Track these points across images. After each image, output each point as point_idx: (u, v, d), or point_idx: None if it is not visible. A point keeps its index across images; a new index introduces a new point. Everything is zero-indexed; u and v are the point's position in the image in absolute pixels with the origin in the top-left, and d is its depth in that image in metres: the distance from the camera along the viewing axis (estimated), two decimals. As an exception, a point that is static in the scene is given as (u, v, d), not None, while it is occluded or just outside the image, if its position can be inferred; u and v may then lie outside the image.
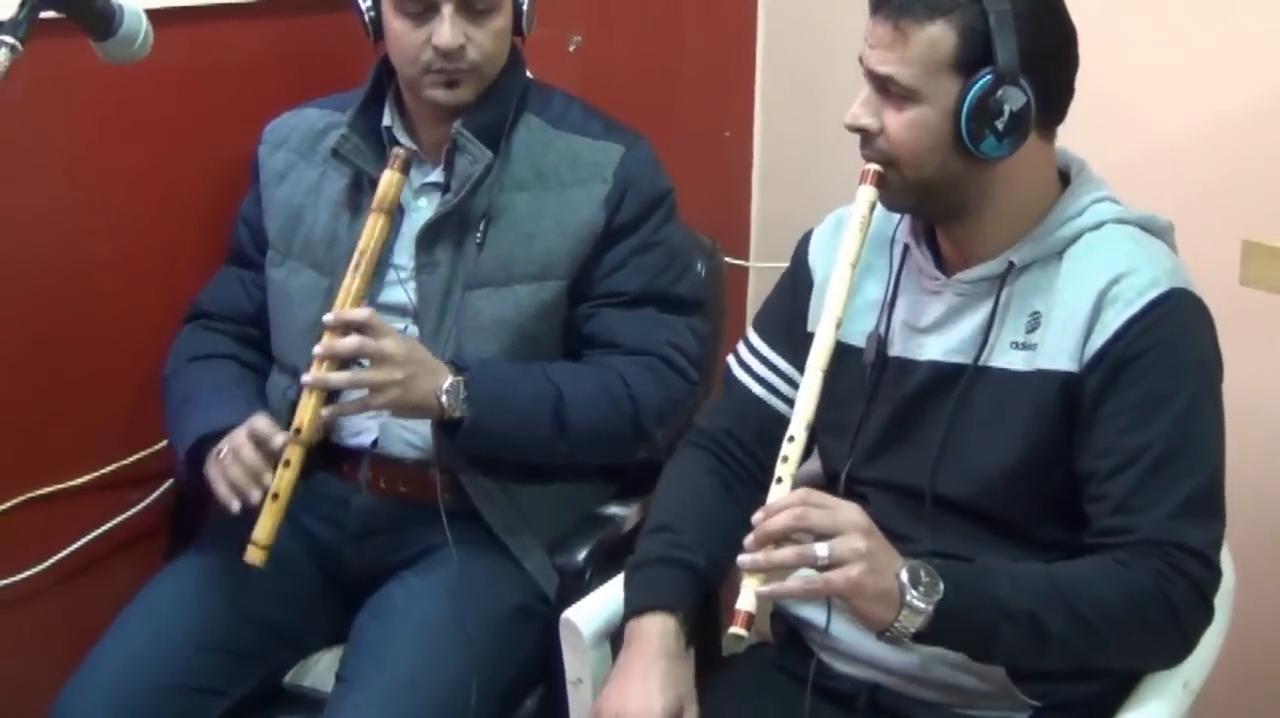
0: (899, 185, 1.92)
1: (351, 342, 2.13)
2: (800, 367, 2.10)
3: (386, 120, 2.40)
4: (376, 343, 2.13)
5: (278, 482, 2.12)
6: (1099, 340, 1.87)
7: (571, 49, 2.90)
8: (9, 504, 2.50)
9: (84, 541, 2.59)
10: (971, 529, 1.97)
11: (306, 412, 2.14)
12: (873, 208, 1.93)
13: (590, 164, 2.37)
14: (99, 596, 2.52)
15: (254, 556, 2.11)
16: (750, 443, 2.16)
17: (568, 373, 2.33)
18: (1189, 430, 1.85)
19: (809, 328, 2.11)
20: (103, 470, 2.60)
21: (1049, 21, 1.90)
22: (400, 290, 2.34)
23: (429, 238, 2.34)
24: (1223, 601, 1.94)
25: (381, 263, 2.31)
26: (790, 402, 2.12)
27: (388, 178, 2.22)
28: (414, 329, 2.35)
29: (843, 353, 2.00)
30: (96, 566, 2.62)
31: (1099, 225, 1.94)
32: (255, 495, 2.13)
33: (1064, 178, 2.01)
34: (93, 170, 2.51)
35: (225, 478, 2.16)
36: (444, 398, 2.18)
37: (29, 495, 2.52)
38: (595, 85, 2.86)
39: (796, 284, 2.17)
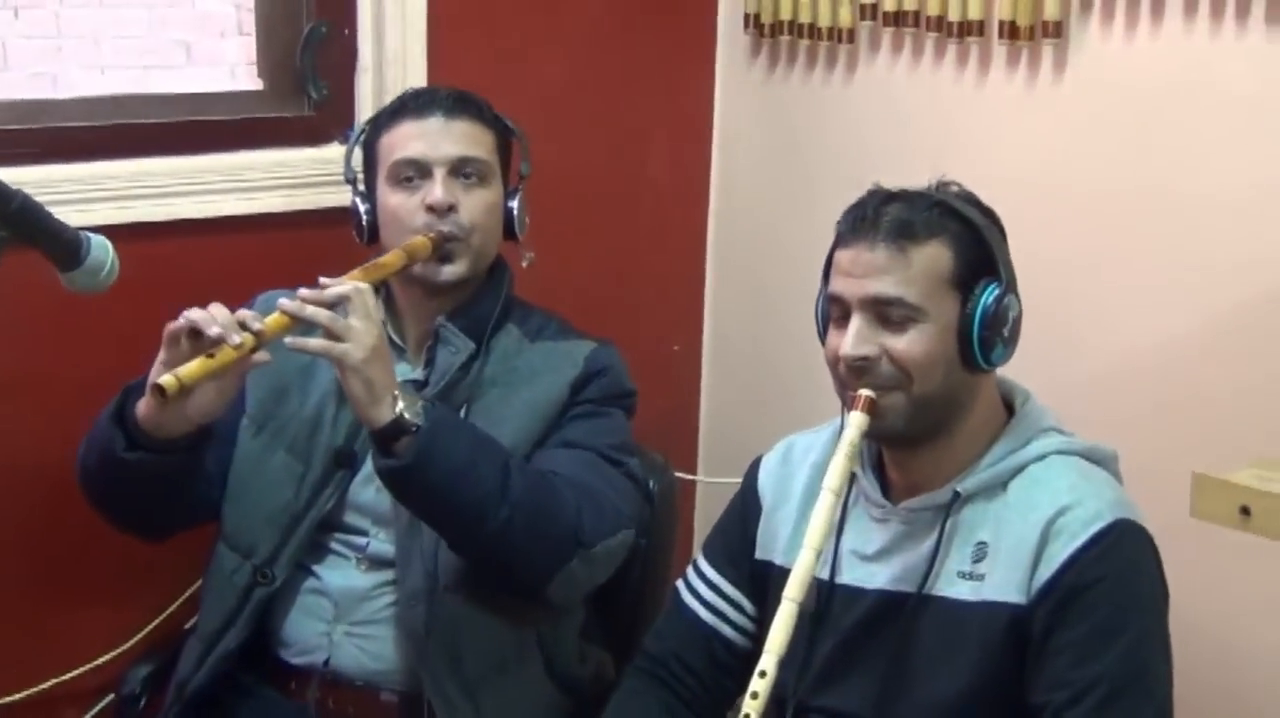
0: (899, 408, 1.93)
1: (322, 315, 2.08)
2: (748, 593, 2.11)
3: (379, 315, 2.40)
4: (343, 320, 2.08)
5: (223, 349, 2.01)
6: (1046, 573, 1.88)
7: (524, 264, 2.92)
8: None
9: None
10: (922, 761, 1.96)
11: (272, 319, 2.08)
12: (863, 435, 1.94)
13: (563, 354, 2.40)
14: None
15: (167, 379, 1.97)
16: (700, 669, 2.15)
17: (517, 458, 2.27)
18: (1139, 661, 1.85)
19: (758, 554, 2.13)
20: (40, 687, 2.56)
21: (1006, 249, 1.99)
22: (373, 489, 2.31)
23: None
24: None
25: (355, 464, 2.33)
26: (739, 628, 2.13)
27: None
28: (385, 535, 2.34)
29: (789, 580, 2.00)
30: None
31: (1043, 457, 1.96)
32: (213, 329, 2.02)
33: (1009, 408, 2.04)
34: (59, 384, 2.52)
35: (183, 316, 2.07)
36: (401, 400, 2.09)
37: None
38: (546, 300, 2.88)
39: (746, 511, 2.19)
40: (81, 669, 2.60)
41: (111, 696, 2.56)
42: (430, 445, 2.10)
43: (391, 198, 2.35)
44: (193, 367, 2.00)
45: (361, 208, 2.41)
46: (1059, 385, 2.21)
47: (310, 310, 2.08)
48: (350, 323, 2.08)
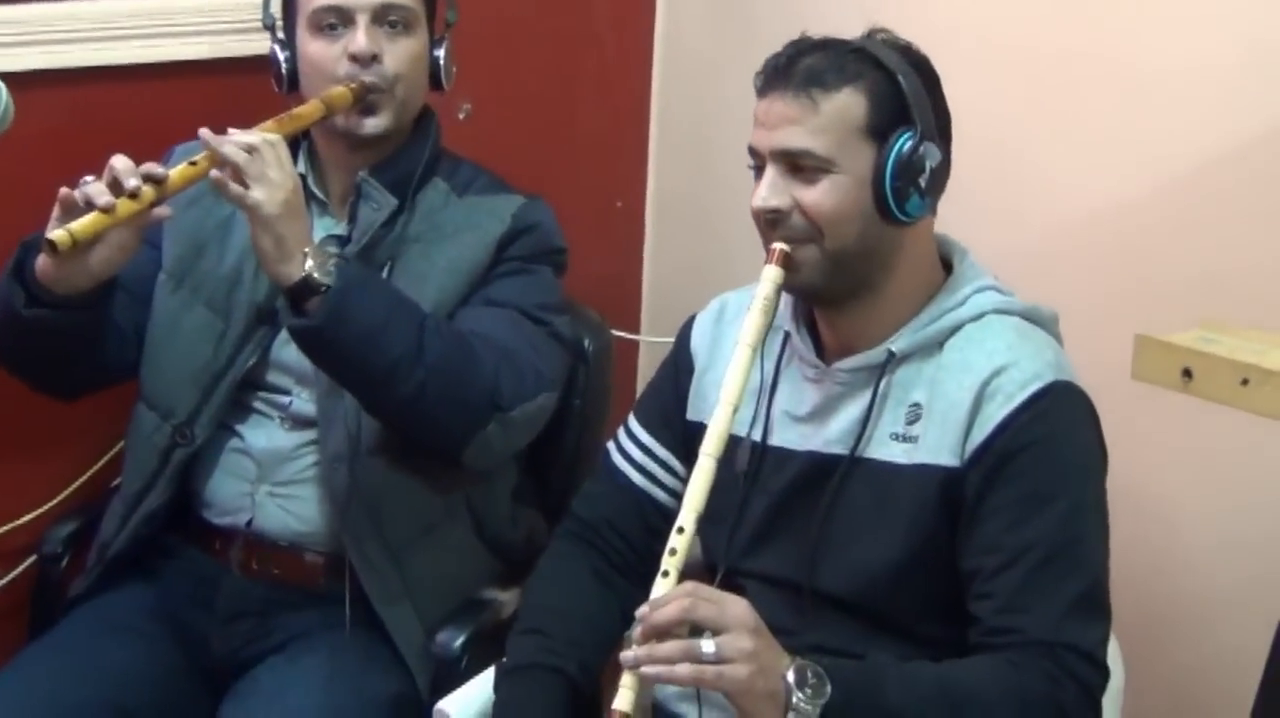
0: (814, 262, 1.87)
1: (240, 156, 1.99)
2: (680, 455, 2.05)
3: (299, 168, 2.30)
4: (260, 165, 2.00)
5: (120, 202, 1.94)
6: (979, 435, 1.83)
7: (461, 117, 2.84)
8: None
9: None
10: (852, 625, 1.92)
11: (178, 171, 2.01)
12: (778, 290, 1.88)
13: (489, 210, 2.32)
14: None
15: (60, 234, 1.90)
16: (631, 534, 2.11)
17: (441, 319, 2.20)
18: (1073, 528, 1.81)
19: (689, 415, 2.07)
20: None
21: (938, 96, 1.92)
22: (295, 348, 2.18)
23: None
24: (1111, 700, 1.91)
25: (277, 321, 2.25)
26: (671, 491, 2.08)
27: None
28: (308, 395, 2.27)
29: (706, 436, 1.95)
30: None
31: (980, 316, 1.91)
32: (102, 199, 1.93)
33: (947, 267, 1.98)
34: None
35: (89, 185, 1.97)
36: (310, 258, 2.01)
37: None
38: (484, 154, 2.78)
39: (678, 370, 2.13)
40: (4, 528, 2.52)
41: (34, 556, 2.50)
42: (340, 305, 2.03)
43: (311, 45, 2.25)
44: (87, 221, 1.92)
45: (280, 55, 2.30)
46: (1001, 247, 2.15)
47: (229, 148, 2.00)
48: (265, 172, 2.00)
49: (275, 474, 2.28)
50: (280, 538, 2.28)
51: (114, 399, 2.38)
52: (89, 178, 1.97)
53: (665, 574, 1.75)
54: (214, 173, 2.00)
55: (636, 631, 1.71)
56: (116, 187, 1.95)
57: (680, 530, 1.77)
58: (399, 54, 2.24)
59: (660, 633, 1.68)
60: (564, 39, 3.07)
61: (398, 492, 2.25)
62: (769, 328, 1.91)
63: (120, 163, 1.96)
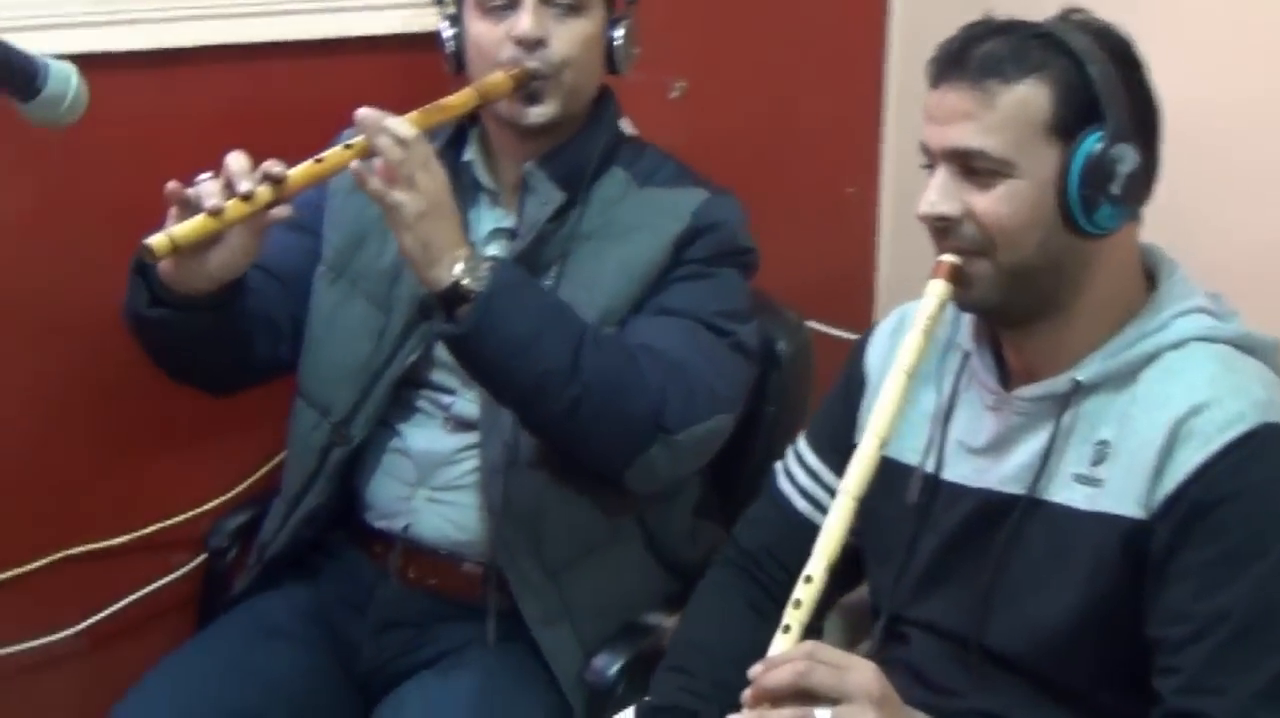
0: (987, 277, 1.65)
1: (390, 144, 1.85)
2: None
3: (468, 155, 2.19)
4: (410, 164, 1.86)
5: (230, 205, 1.82)
6: (1170, 484, 1.57)
7: (674, 95, 2.67)
8: (43, 562, 2.39)
9: (119, 605, 2.47)
10: (1023, 688, 1.69)
11: (302, 168, 1.88)
12: (942, 307, 1.67)
13: (667, 206, 2.13)
14: (131, 661, 2.34)
15: (158, 240, 1.78)
16: (793, 565, 1.85)
17: (603, 330, 2.04)
18: (1275, 596, 1.54)
19: (859, 439, 1.86)
20: (141, 532, 2.46)
21: (1143, 85, 1.67)
22: None
23: None
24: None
25: None
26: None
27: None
28: (471, 395, 2.13)
29: (891, 472, 1.76)
30: (132, 631, 2.49)
31: (1182, 343, 1.64)
32: (210, 201, 1.82)
33: (1153, 283, 1.72)
34: (138, 219, 2.37)
35: (201, 185, 1.86)
36: (460, 262, 1.88)
37: (64, 554, 2.41)
38: (699, 135, 2.63)
39: (849, 388, 1.92)
40: (184, 516, 2.48)
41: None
42: (488, 314, 1.89)
43: (476, 25, 2.10)
44: (191, 225, 1.81)
45: (447, 34, 2.16)
46: (1217, 261, 1.87)
47: (384, 139, 1.86)
48: (413, 172, 1.86)
49: (434, 478, 2.16)
50: (438, 546, 2.16)
51: (292, 391, 2.28)
52: (205, 175, 1.86)
53: (786, 629, 1.56)
54: (354, 164, 1.87)
55: (747, 692, 1.51)
56: (230, 188, 1.83)
57: (808, 580, 1.57)
58: (567, 37, 2.07)
59: (773, 697, 1.49)
60: (788, 8, 2.85)
61: (558, 510, 2.11)
62: (926, 350, 1.69)
63: (235, 162, 1.84)
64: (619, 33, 2.15)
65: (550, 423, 1.99)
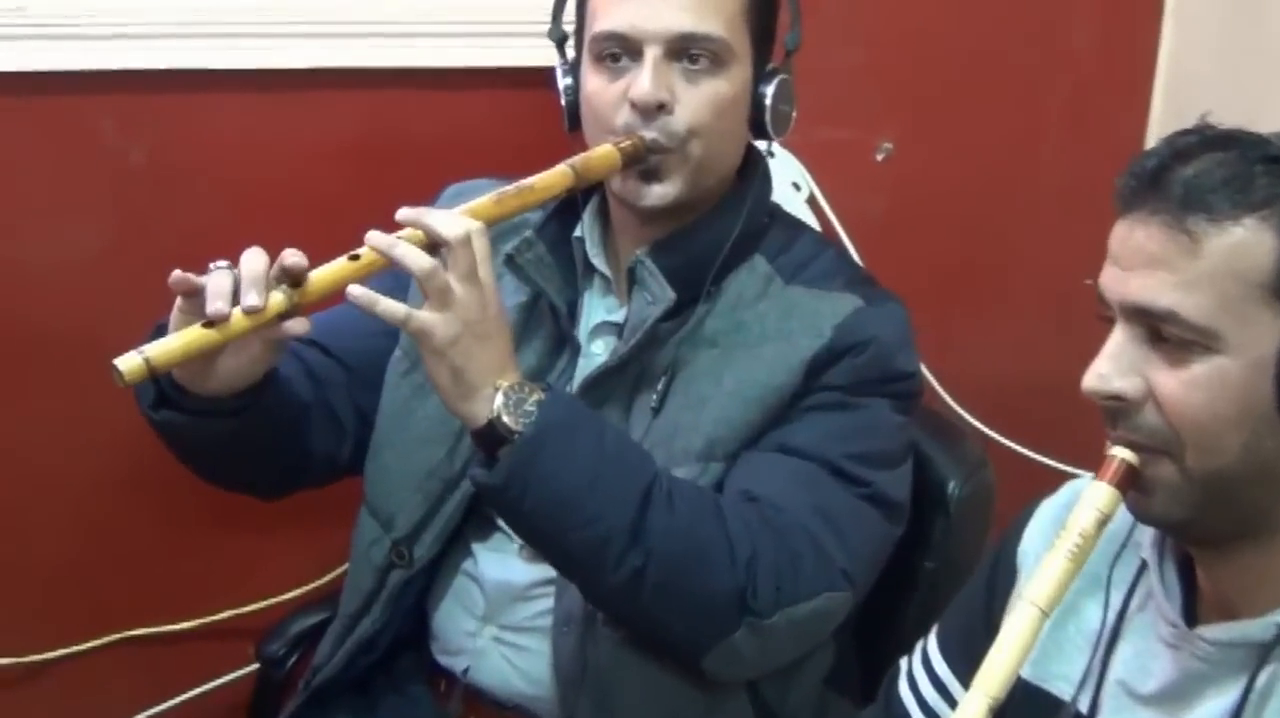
0: (1172, 485, 1.21)
1: (415, 257, 1.48)
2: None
3: (580, 229, 1.81)
4: (443, 277, 1.48)
5: (234, 316, 1.44)
6: None
7: (879, 158, 2.24)
8: (101, 642, 2.16)
9: (178, 699, 2.21)
10: None
11: (327, 272, 1.49)
12: (1104, 524, 1.24)
13: (807, 314, 1.71)
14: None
15: (130, 362, 1.37)
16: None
17: (679, 478, 1.63)
18: None
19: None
20: (208, 619, 2.19)
21: None
22: None
23: (591, 395, 1.72)
24: None
25: None
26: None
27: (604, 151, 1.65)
28: None
29: (1034, 702, 1.36)
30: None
31: None
32: (212, 306, 1.43)
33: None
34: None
35: (208, 279, 1.47)
36: (500, 394, 1.52)
37: (123, 636, 2.18)
38: (905, 205, 2.24)
39: (993, 583, 1.49)
40: (254, 606, 2.21)
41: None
42: (529, 461, 1.52)
43: (591, 80, 1.71)
44: (179, 341, 1.43)
45: (563, 83, 1.78)
46: None
47: (404, 253, 1.48)
48: (447, 287, 1.49)
49: (504, 614, 1.79)
50: (503, 696, 1.79)
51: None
52: (221, 263, 1.50)
53: None
54: (352, 289, 1.48)
55: None
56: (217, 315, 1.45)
57: None
58: (698, 101, 1.66)
59: None
60: (1024, 61, 2.36)
61: (640, 673, 1.69)
62: (1075, 577, 1.25)
63: (250, 264, 1.47)
64: (769, 89, 1.73)
65: (607, 596, 1.61)
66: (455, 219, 1.52)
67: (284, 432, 1.73)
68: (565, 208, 1.79)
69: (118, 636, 2.15)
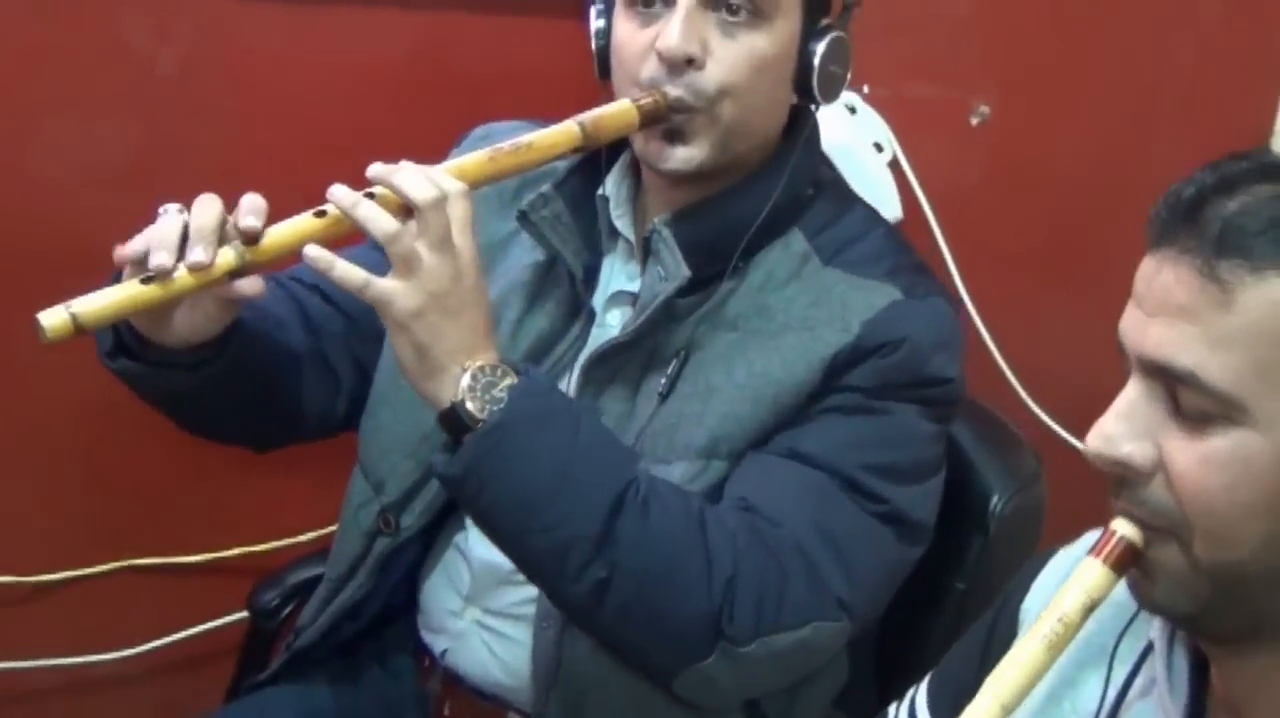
0: (1176, 573, 1.03)
1: (378, 219, 1.33)
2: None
3: (606, 187, 1.65)
4: (408, 242, 1.34)
5: (178, 275, 1.31)
6: None
7: (975, 122, 2.04)
8: (107, 568, 2.08)
9: (183, 633, 2.13)
10: None
11: (287, 228, 1.36)
12: (1092, 607, 1.07)
13: (836, 303, 1.53)
14: (185, 693, 2.03)
15: (54, 319, 1.25)
16: None
17: (662, 481, 1.47)
18: None
19: None
20: (218, 554, 2.08)
21: None
22: None
23: (597, 370, 1.57)
24: None
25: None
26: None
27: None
28: None
29: None
30: (194, 662, 2.13)
31: None
32: (154, 260, 1.30)
33: None
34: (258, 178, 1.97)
35: (152, 229, 1.35)
36: (467, 374, 1.37)
37: (129, 563, 2.08)
38: (998, 177, 2.04)
39: (991, 639, 1.31)
40: (268, 546, 2.12)
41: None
42: (492, 453, 1.37)
43: (621, 25, 1.54)
44: (111, 298, 1.30)
45: (594, 25, 1.60)
46: None
47: (366, 213, 1.34)
48: (413, 252, 1.34)
49: (489, 597, 1.65)
50: (480, 683, 1.66)
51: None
52: (169, 206, 1.37)
53: None
54: (308, 249, 1.34)
55: None
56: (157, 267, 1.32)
57: None
58: (732, 57, 1.48)
59: None
60: (1143, 29, 2.12)
61: (614, 688, 1.54)
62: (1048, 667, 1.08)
63: (201, 214, 1.34)
64: (819, 46, 1.54)
65: (568, 606, 1.47)
66: (429, 180, 1.37)
67: (262, 384, 1.60)
68: (591, 161, 1.63)
69: (124, 563, 2.07)
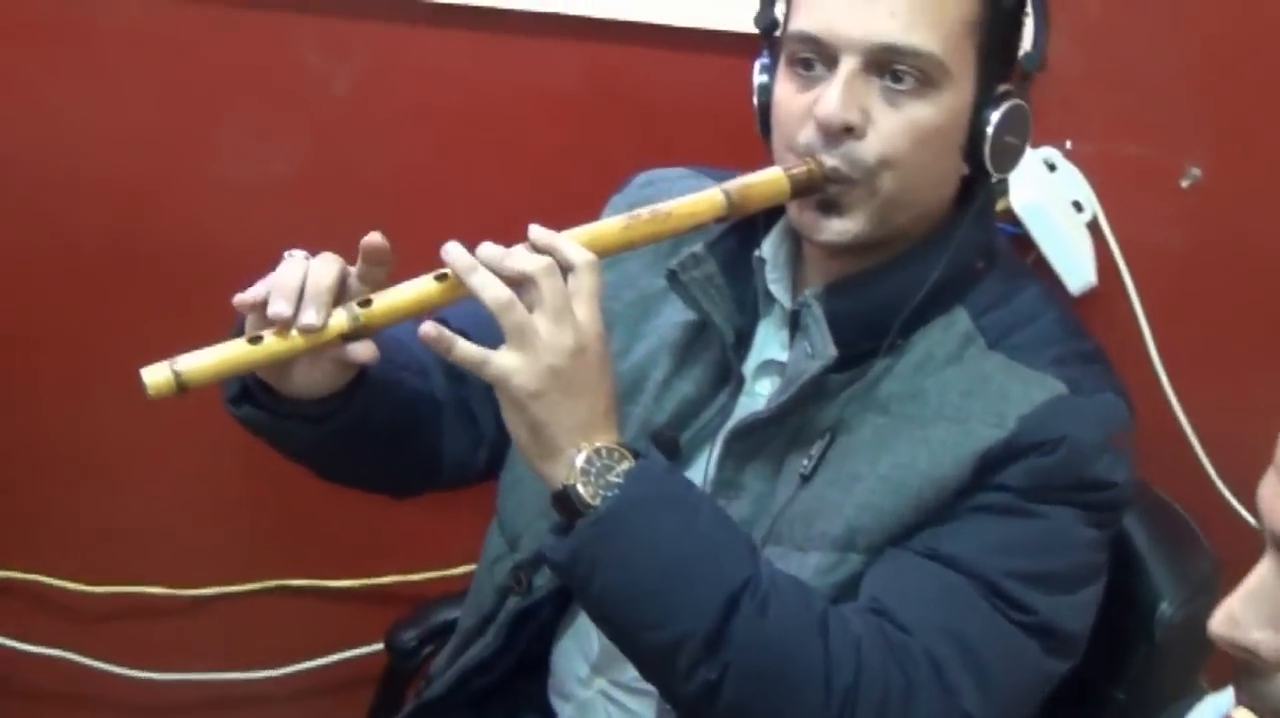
0: None
1: (491, 288, 1.28)
2: None
3: (764, 249, 1.55)
4: (520, 314, 1.28)
5: (286, 339, 1.28)
6: None
7: (1185, 184, 1.90)
8: (257, 587, 2.07)
9: (328, 659, 2.09)
10: None
11: (406, 291, 1.31)
12: None
13: (995, 394, 1.41)
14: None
15: (156, 376, 1.23)
16: None
17: (785, 577, 1.37)
18: None
19: None
20: (372, 581, 2.04)
21: None
22: None
23: (739, 444, 1.48)
24: None
25: (679, 458, 1.51)
26: None
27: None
28: None
29: None
30: (342, 689, 2.09)
31: None
32: (280, 306, 1.27)
33: None
34: (422, 197, 1.93)
35: (274, 275, 1.32)
36: (582, 455, 1.31)
37: (280, 583, 2.08)
38: (1208, 244, 1.91)
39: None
40: (421, 576, 2.08)
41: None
42: (598, 543, 1.30)
43: (781, 86, 1.44)
44: (210, 359, 1.27)
45: (758, 80, 1.51)
46: None
47: (481, 281, 1.28)
48: (528, 326, 1.28)
49: (615, 669, 1.58)
50: None
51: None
52: (295, 253, 1.33)
53: None
54: (425, 329, 1.29)
55: None
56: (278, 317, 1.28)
57: None
58: (894, 127, 1.38)
59: None
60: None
61: None
62: None
63: (319, 273, 1.30)
64: (994, 114, 1.42)
65: (680, 702, 1.38)
66: (562, 242, 1.30)
67: (395, 435, 1.55)
68: (749, 219, 1.54)
69: (276, 583, 2.06)
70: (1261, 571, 0.92)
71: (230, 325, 1.37)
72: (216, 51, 1.88)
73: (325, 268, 1.30)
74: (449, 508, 1.95)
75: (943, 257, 1.45)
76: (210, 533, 2.05)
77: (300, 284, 1.30)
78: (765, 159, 1.48)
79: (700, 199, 1.39)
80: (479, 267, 1.29)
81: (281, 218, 1.93)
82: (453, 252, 1.29)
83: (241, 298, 1.32)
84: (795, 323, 1.48)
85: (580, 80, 1.89)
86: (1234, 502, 1.93)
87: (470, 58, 1.88)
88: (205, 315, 1.33)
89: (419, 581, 2.06)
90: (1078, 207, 1.91)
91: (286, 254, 1.33)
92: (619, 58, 1.88)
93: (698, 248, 1.51)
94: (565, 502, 1.31)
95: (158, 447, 2.00)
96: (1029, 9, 1.45)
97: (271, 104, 1.90)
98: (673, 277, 1.50)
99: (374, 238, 1.32)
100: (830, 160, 1.39)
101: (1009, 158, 1.46)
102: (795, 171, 1.39)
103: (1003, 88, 1.45)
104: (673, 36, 1.87)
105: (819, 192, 1.41)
